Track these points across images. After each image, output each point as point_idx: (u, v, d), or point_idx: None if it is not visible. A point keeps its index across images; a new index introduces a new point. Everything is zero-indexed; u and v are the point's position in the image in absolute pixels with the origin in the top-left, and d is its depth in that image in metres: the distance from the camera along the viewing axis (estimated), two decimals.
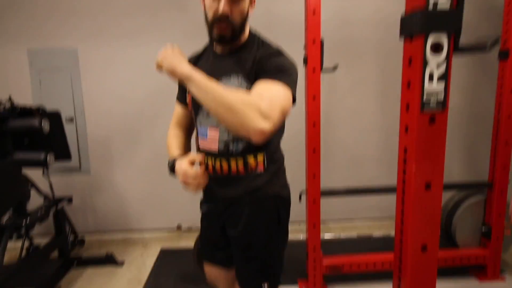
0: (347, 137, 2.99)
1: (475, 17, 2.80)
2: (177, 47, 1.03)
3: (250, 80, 1.08)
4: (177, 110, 1.35)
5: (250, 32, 1.18)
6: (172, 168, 1.17)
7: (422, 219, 0.90)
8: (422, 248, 0.91)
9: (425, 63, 0.77)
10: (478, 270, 2.29)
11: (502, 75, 2.01)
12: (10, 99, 2.24)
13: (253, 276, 1.23)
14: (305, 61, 1.96)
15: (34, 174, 2.42)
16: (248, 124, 0.89)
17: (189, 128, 1.36)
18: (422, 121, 0.82)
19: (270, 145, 1.17)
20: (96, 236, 3.07)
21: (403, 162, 0.90)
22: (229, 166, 1.15)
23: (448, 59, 0.77)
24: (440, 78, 0.79)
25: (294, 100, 1.04)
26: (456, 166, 3.04)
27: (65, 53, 2.80)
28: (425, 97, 0.80)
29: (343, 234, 3.00)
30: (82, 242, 2.87)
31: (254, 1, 1.14)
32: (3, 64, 2.80)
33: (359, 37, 2.82)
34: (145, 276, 2.47)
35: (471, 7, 2.66)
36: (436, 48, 0.77)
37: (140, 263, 2.68)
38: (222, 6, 1.02)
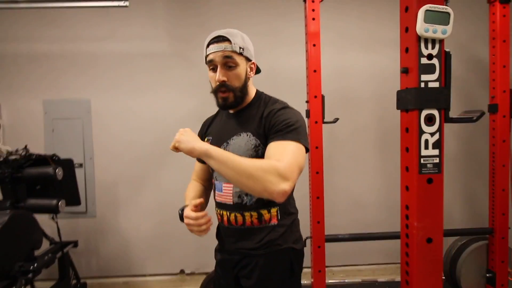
0: (349, 182, 3.07)
1: (463, 69, 2.99)
2: (189, 130, 1.14)
3: (259, 135, 1.17)
4: (196, 166, 1.45)
5: (256, 92, 1.30)
6: (182, 215, 1.23)
7: (425, 270, 0.97)
8: None
9: (420, 132, 0.88)
10: None
11: (494, 127, 2.14)
12: (25, 147, 2.35)
13: None
14: (308, 114, 2.09)
15: (38, 216, 2.45)
16: (271, 188, 0.97)
17: (208, 180, 1.44)
18: (421, 182, 0.92)
19: None
20: (98, 280, 3.04)
21: (405, 217, 0.99)
22: (244, 219, 1.21)
23: (440, 129, 0.88)
24: (435, 145, 0.89)
25: (307, 150, 1.12)
26: (457, 212, 3.08)
27: (78, 103, 2.96)
28: (422, 161, 0.90)
29: (348, 279, 2.98)
30: (84, 286, 2.84)
31: (254, 66, 1.27)
32: (20, 114, 2.95)
33: (356, 88, 3.00)
34: None
35: (457, 60, 2.84)
36: (430, 119, 0.88)
37: None
38: (218, 74, 1.16)
